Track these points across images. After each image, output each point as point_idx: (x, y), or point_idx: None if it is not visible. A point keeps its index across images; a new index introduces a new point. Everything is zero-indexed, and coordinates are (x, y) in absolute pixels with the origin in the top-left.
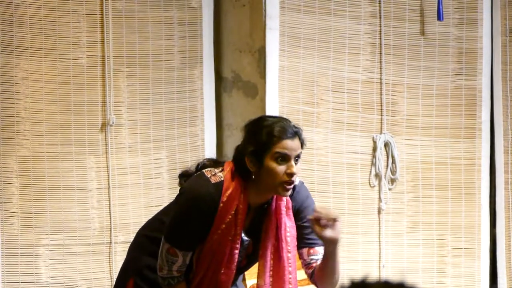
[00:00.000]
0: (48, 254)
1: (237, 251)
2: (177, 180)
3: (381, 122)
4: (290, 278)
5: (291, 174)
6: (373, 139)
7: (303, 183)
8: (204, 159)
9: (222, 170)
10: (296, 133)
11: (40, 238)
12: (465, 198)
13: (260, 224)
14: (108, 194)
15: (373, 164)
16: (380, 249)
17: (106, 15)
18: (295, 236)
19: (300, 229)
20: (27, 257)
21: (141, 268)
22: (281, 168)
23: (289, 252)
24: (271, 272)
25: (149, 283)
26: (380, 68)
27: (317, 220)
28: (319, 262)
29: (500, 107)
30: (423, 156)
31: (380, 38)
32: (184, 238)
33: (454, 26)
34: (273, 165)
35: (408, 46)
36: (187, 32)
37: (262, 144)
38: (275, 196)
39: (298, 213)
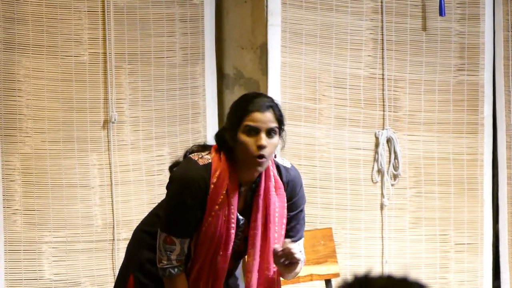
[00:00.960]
0: (51, 251)
1: (233, 231)
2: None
3: (383, 118)
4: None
5: (260, 147)
6: (375, 135)
7: (295, 168)
8: (192, 145)
9: (209, 152)
10: (270, 107)
11: (43, 235)
12: (467, 194)
13: (252, 204)
14: (111, 191)
15: (376, 160)
16: (382, 244)
17: (107, 12)
18: (284, 216)
19: (288, 220)
20: (30, 254)
21: (141, 262)
22: (251, 141)
23: (276, 232)
24: (260, 252)
25: (150, 276)
26: (382, 64)
27: (279, 255)
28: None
29: (503, 102)
30: (425, 151)
31: (382, 34)
32: (179, 224)
33: (456, 21)
34: (244, 138)
35: (410, 42)
36: (189, 29)
37: (235, 118)
38: (263, 176)
39: (290, 200)
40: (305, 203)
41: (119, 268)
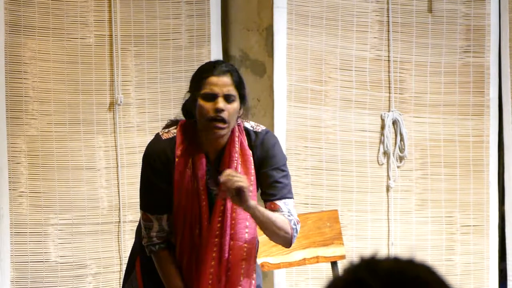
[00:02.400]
0: (57, 234)
1: (205, 203)
2: None
3: (389, 100)
4: (233, 223)
5: (217, 110)
6: (381, 117)
7: (268, 131)
8: (167, 121)
9: (176, 127)
10: (227, 72)
11: (49, 218)
12: (473, 176)
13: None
14: (117, 173)
15: (382, 142)
16: (388, 227)
17: None
18: (250, 181)
19: (263, 178)
20: (36, 236)
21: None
22: (208, 105)
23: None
24: (219, 218)
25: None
26: (388, 46)
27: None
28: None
29: (508, 84)
30: (431, 133)
31: (388, 16)
32: (150, 200)
33: (461, 3)
34: (202, 103)
35: (416, 24)
36: (195, 11)
37: (194, 85)
38: (228, 143)
39: (263, 162)
40: (282, 163)
41: (129, 253)
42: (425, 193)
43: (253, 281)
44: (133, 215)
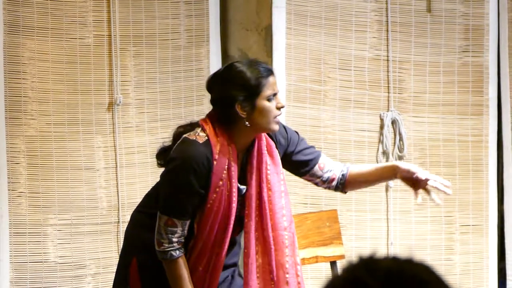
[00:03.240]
0: (56, 234)
1: (234, 205)
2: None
3: (388, 100)
4: (271, 214)
5: (282, 107)
6: (380, 116)
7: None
8: (177, 128)
9: (202, 129)
10: (272, 69)
11: (48, 218)
12: (472, 175)
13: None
14: (116, 173)
15: (381, 141)
16: (388, 226)
17: None
18: (280, 172)
19: (298, 154)
20: (35, 237)
21: (143, 245)
22: (272, 105)
23: (270, 190)
24: (256, 212)
25: (154, 258)
26: (387, 46)
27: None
28: (335, 172)
29: (507, 84)
30: (430, 133)
31: (387, 16)
32: (182, 206)
33: (460, 2)
34: (266, 104)
35: (414, 23)
36: (194, 11)
37: (252, 87)
38: (256, 138)
39: (288, 143)
40: (300, 136)
41: (119, 255)
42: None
43: (299, 274)
44: None
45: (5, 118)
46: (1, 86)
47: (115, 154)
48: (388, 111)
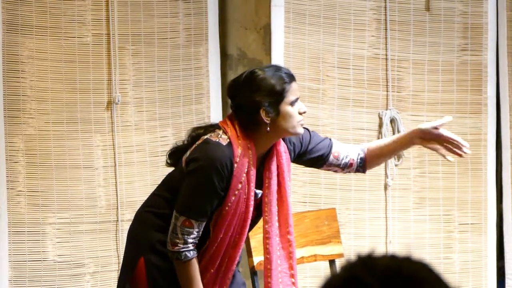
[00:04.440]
0: (55, 233)
1: (251, 209)
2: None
3: (387, 98)
4: (291, 221)
5: (304, 113)
6: (379, 115)
7: None
8: (195, 128)
9: (224, 131)
10: (293, 75)
11: (47, 217)
12: (471, 174)
13: (263, 173)
14: (115, 172)
15: None
16: (386, 225)
17: None
18: (290, 177)
19: (311, 154)
20: (34, 235)
21: (151, 244)
22: (295, 110)
23: (289, 196)
24: (277, 217)
25: (163, 257)
26: (386, 44)
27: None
28: (352, 156)
29: (506, 82)
30: None
31: (386, 14)
32: (202, 207)
33: (459, 1)
34: (290, 109)
35: (413, 22)
36: (192, 10)
37: (277, 93)
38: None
39: (301, 141)
40: (310, 132)
41: (123, 255)
42: (423, 191)
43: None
44: (130, 214)
45: (4, 116)
46: (0, 85)
47: (114, 153)
48: (386, 109)
